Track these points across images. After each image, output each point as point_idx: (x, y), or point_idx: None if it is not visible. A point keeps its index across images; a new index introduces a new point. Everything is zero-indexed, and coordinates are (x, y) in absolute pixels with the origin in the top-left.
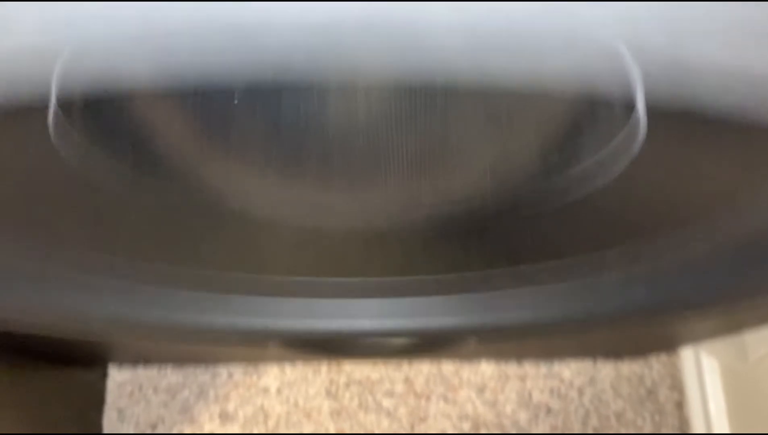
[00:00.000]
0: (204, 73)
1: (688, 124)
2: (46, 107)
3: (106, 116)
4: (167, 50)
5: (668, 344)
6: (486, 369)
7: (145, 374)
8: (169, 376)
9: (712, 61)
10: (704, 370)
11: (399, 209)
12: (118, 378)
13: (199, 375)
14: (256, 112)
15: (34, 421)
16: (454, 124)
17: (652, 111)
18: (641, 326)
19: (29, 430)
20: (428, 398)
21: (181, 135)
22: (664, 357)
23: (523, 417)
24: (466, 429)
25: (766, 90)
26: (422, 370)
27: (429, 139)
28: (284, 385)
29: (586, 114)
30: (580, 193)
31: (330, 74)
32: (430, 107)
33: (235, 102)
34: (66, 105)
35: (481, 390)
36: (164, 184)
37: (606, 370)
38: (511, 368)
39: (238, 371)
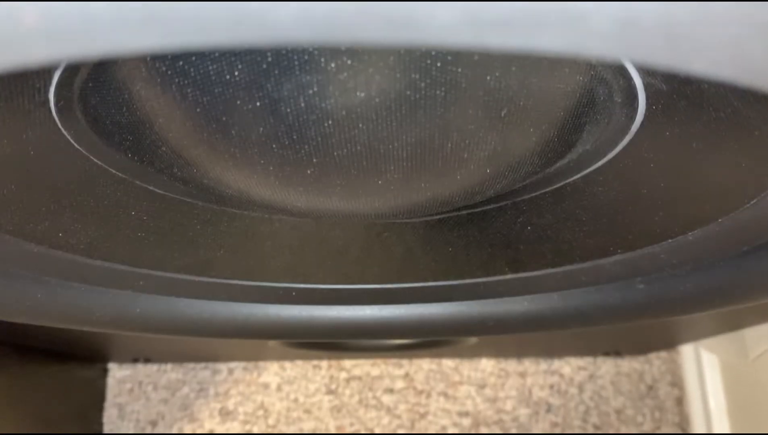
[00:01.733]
0: (202, 32)
1: (687, 112)
2: (48, 81)
3: (105, 97)
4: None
5: (669, 342)
6: (486, 365)
7: (145, 371)
8: (169, 372)
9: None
10: (704, 367)
11: (397, 204)
12: (118, 375)
13: (199, 372)
14: (253, 89)
15: (35, 418)
16: (451, 109)
17: (648, 88)
18: (641, 322)
19: (30, 426)
20: (428, 395)
21: (178, 118)
22: (664, 353)
23: (523, 413)
24: (466, 425)
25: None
26: (422, 367)
27: (426, 126)
28: (284, 382)
29: (582, 91)
30: (575, 177)
31: (329, 40)
32: (428, 87)
33: (236, 74)
34: (68, 79)
35: (481, 386)
36: (162, 172)
37: (606, 367)
38: (511, 365)
39: (238, 368)
